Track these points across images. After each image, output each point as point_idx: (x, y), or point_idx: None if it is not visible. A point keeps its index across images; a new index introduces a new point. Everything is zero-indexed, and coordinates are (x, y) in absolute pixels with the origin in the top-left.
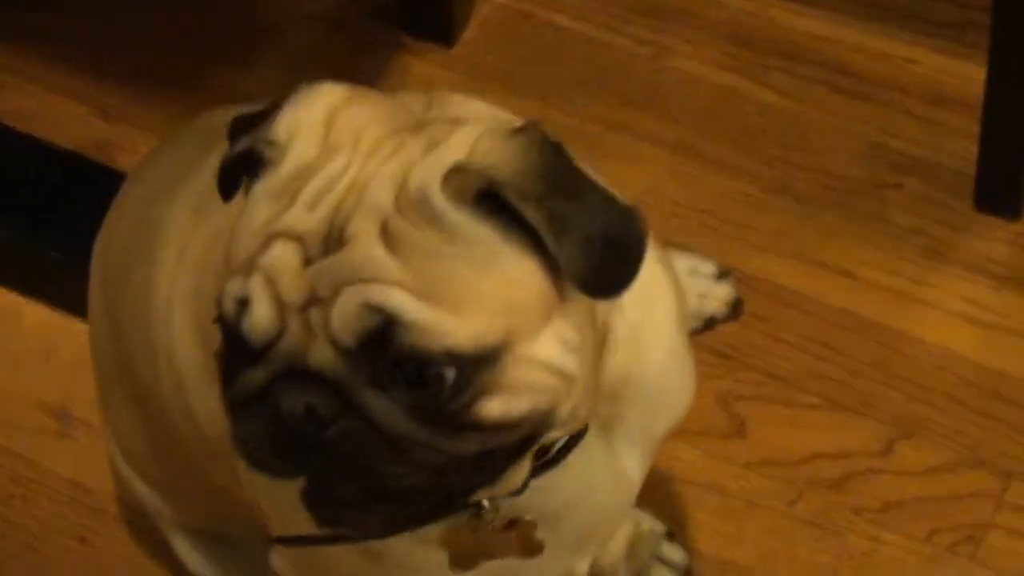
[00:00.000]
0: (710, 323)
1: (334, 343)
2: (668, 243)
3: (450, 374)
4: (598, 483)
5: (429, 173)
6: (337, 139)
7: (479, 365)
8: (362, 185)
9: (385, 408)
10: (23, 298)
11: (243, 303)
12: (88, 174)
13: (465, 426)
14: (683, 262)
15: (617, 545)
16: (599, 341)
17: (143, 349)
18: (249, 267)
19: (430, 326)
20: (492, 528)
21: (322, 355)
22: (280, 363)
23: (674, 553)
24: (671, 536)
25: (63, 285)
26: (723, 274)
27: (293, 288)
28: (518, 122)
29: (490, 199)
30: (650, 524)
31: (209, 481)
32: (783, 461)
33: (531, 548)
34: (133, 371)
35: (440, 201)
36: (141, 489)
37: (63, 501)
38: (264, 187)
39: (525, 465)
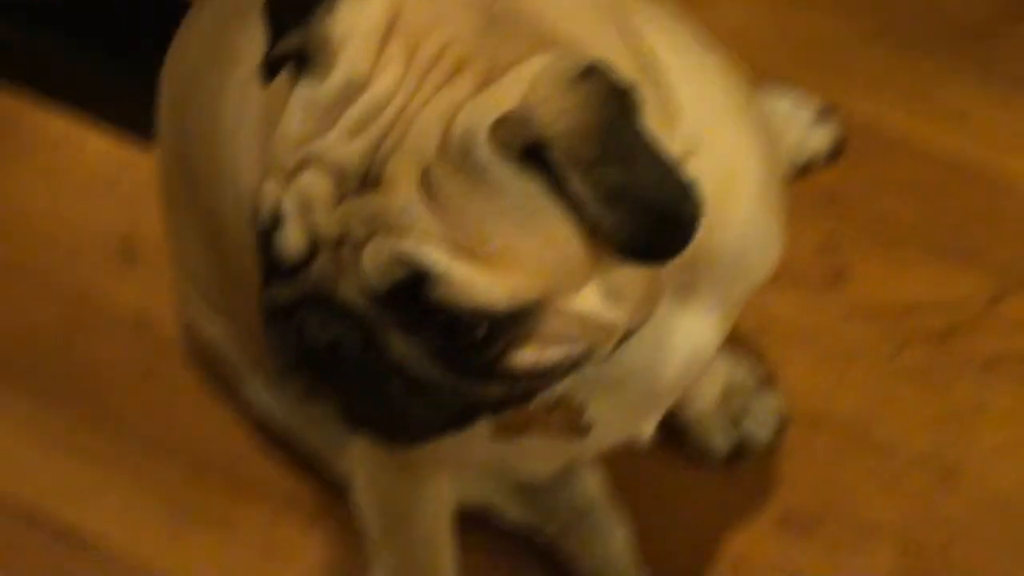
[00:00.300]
0: (810, 166)
1: (363, 284)
2: (765, 80)
3: (482, 328)
4: (668, 350)
5: (477, 119)
6: (392, 50)
7: (513, 321)
8: (407, 120)
9: (410, 352)
10: (87, 124)
11: (277, 215)
12: None
13: (494, 374)
14: (781, 102)
15: (710, 393)
16: (665, 273)
17: (209, 174)
18: (285, 180)
19: (463, 283)
20: (535, 406)
21: (350, 292)
22: (308, 288)
23: (770, 402)
24: (767, 385)
25: (130, 110)
26: (825, 113)
27: (326, 221)
28: (584, 62)
29: (539, 153)
30: (745, 372)
31: None
32: (885, 311)
33: (577, 431)
34: (200, 197)
35: (485, 152)
36: (208, 325)
37: (127, 335)
38: (307, 94)
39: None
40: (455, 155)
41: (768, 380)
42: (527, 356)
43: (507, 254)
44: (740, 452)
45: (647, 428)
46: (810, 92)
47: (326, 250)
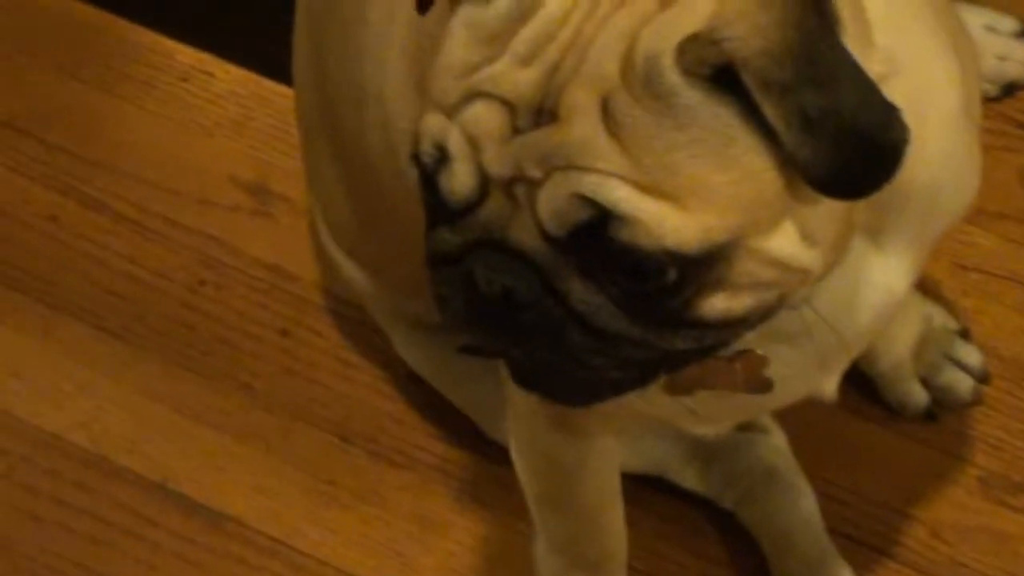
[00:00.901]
0: (1010, 88)
1: (540, 227)
2: None
3: (671, 272)
4: (858, 297)
5: (663, 40)
6: None
7: (704, 264)
8: (585, 42)
9: (593, 300)
10: (214, 58)
11: (442, 153)
12: None
13: (683, 323)
14: (977, 18)
15: (904, 344)
16: (856, 212)
17: (350, 95)
18: (450, 113)
19: (651, 223)
20: (715, 358)
21: (525, 235)
22: (478, 233)
23: (969, 354)
24: (965, 334)
25: (261, 43)
26: None
27: (497, 159)
28: None
29: (731, 75)
30: (943, 320)
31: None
32: None
33: (759, 384)
34: (342, 128)
35: (673, 76)
36: (351, 271)
37: (261, 288)
38: (473, 15)
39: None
40: (639, 81)
41: (967, 327)
42: (718, 303)
43: (698, 190)
44: (938, 407)
45: (830, 383)
46: (1009, 6)
47: (497, 190)
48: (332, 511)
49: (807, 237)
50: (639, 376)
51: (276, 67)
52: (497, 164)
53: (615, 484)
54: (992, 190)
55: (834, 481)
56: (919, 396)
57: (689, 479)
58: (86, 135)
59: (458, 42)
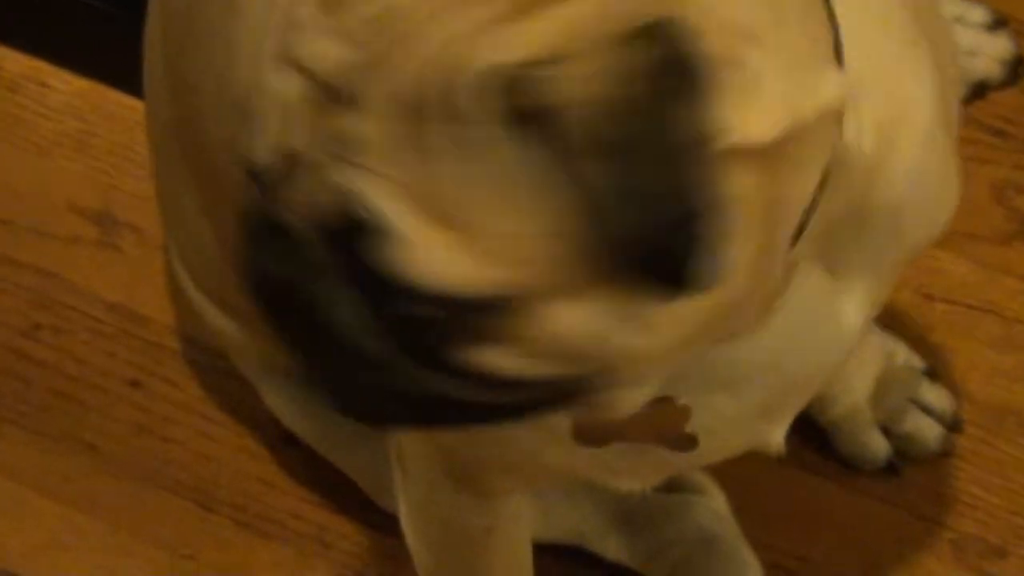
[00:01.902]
0: (980, 89)
1: (302, 216)
2: None
3: (433, 310)
4: (803, 333)
5: (486, 57)
6: None
7: (475, 313)
8: (418, 35)
9: (355, 311)
10: (49, 66)
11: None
12: None
13: (453, 369)
14: (944, 8)
15: (861, 386)
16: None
17: (218, 105)
18: (271, 71)
19: (420, 250)
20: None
21: (300, 222)
22: (270, 206)
23: (936, 396)
24: (933, 374)
25: (102, 47)
26: (998, 23)
27: (294, 131)
28: (651, 15)
29: (551, 119)
30: (906, 358)
31: None
32: None
33: (679, 440)
34: (202, 141)
35: (483, 103)
36: (215, 317)
37: (107, 333)
38: None
39: None
40: (451, 95)
41: (934, 366)
42: (500, 359)
43: (486, 231)
44: (901, 459)
45: (776, 434)
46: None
47: (287, 165)
48: None
49: (631, 318)
50: (428, 413)
51: (122, 76)
52: (294, 136)
53: (526, 557)
54: (962, 207)
55: (783, 549)
56: (879, 447)
57: (611, 549)
58: None
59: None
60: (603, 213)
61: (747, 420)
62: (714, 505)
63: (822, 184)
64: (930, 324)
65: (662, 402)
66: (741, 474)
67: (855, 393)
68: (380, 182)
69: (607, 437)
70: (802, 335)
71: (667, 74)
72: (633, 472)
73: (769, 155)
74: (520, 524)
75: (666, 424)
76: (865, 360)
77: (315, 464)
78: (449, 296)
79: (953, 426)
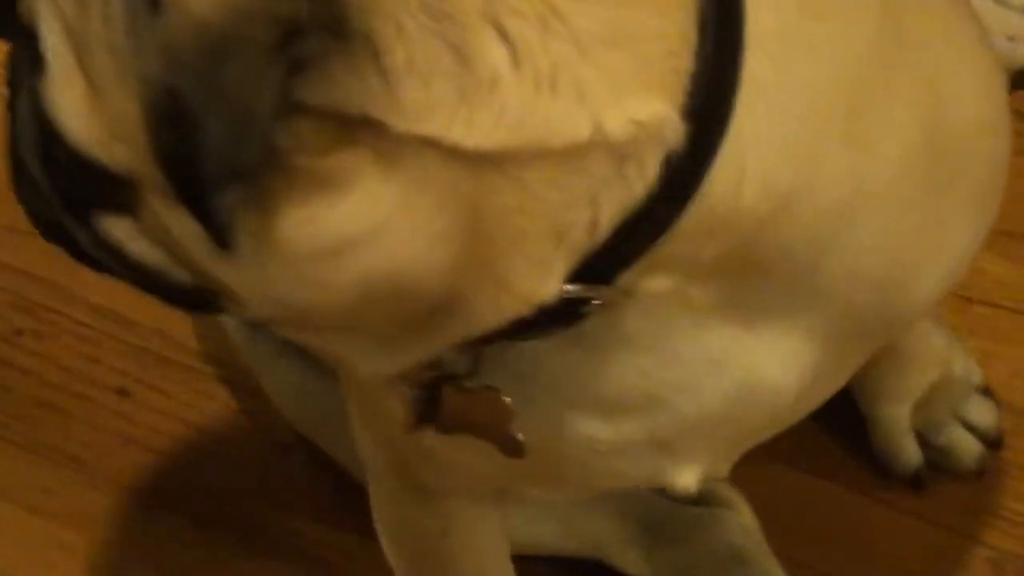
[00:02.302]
0: (1021, 78)
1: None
2: None
3: (65, 156)
4: (691, 376)
5: None
6: None
7: (100, 179)
8: None
9: (27, 124)
10: None
11: None
12: None
13: (84, 221)
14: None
15: (916, 387)
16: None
17: None
18: None
19: (64, 94)
20: (459, 388)
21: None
22: None
23: (982, 413)
24: (987, 391)
25: None
26: None
27: None
28: None
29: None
30: (964, 369)
31: None
32: None
33: (507, 444)
34: None
35: None
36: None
37: (93, 338)
38: None
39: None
40: None
41: (988, 388)
42: (119, 229)
43: (108, 98)
44: (932, 471)
45: (683, 476)
46: None
47: None
48: None
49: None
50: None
51: None
52: None
53: (500, 566)
54: (1002, 204)
55: (810, 565)
56: (911, 455)
57: (632, 563)
58: None
59: None
60: (162, 120)
61: (637, 451)
62: (742, 520)
63: (658, 221)
64: (969, 328)
65: (484, 391)
66: (767, 486)
67: (906, 395)
68: (56, 13)
69: (449, 427)
70: (697, 378)
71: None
72: (539, 481)
73: (482, 161)
74: (483, 533)
75: (491, 419)
76: (924, 364)
77: (313, 474)
78: (79, 152)
79: (994, 443)
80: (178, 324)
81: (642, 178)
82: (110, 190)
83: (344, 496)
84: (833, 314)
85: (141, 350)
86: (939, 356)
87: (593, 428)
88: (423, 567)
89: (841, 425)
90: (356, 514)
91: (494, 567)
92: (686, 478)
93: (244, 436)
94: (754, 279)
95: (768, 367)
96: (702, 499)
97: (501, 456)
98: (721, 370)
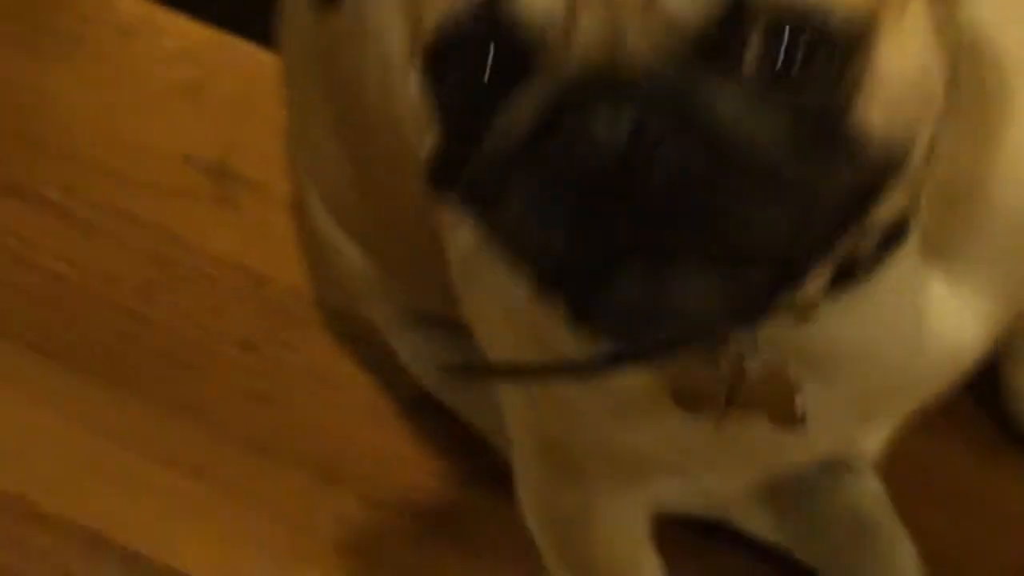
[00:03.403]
0: None
1: (667, 24)
2: None
3: (821, 53)
4: (898, 329)
5: None
6: None
7: (852, 41)
8: None
9: (749, 111)
10: (163, 9)
11: None
12: None
13: (846, 137)
14: None
15: None
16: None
17: (352, 30)
18: None
19: None
20: (740, 372)
21: (644, 45)
22: (571, 73)
23: None
24: None
25: None
26: None
27: None
28: None
29: None
30: None
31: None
32: None
33: (786, 414)
34: (338, 66)
35: None
36: (351, 255)
37: (223, 292)
38: None
39: (824, 272)
40: None
41: None
42: (873, 110)
43: None
44: None
45: (870, 439)
46: None
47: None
48: (312, 570)
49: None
50: (787, 246)
51: (240, 22)
52: None
53: (644, 549)
54: None
55: (939, 534)
56: None
57: (759, 527)
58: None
59: None
60: None
61: (839, 415)
62: (869, 485)
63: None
64: None
65: (773, 368)
66: (896, 452)
67: None
68: None
69: (704, 402)
70: (903, 332)
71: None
72: (734, 468)
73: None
74: (630, 519)
75: (777, 394)
76: None
77: (447, 432)
78: (833, 15)
79: None
80: (307, 282)
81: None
82: (852, 59)
83: (474, 453)
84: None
85: (273, 306)
86: None
87: (812, 392)
88: (570, 549)
89: (970, 388)
90: (485, 471)
91: (638, 552)
92: (873, 443)
93: (371, 391)
94: (965, 213)
95: (967, 327)
96: (829, 464)
97: (685, 441)
98: (926, 323)
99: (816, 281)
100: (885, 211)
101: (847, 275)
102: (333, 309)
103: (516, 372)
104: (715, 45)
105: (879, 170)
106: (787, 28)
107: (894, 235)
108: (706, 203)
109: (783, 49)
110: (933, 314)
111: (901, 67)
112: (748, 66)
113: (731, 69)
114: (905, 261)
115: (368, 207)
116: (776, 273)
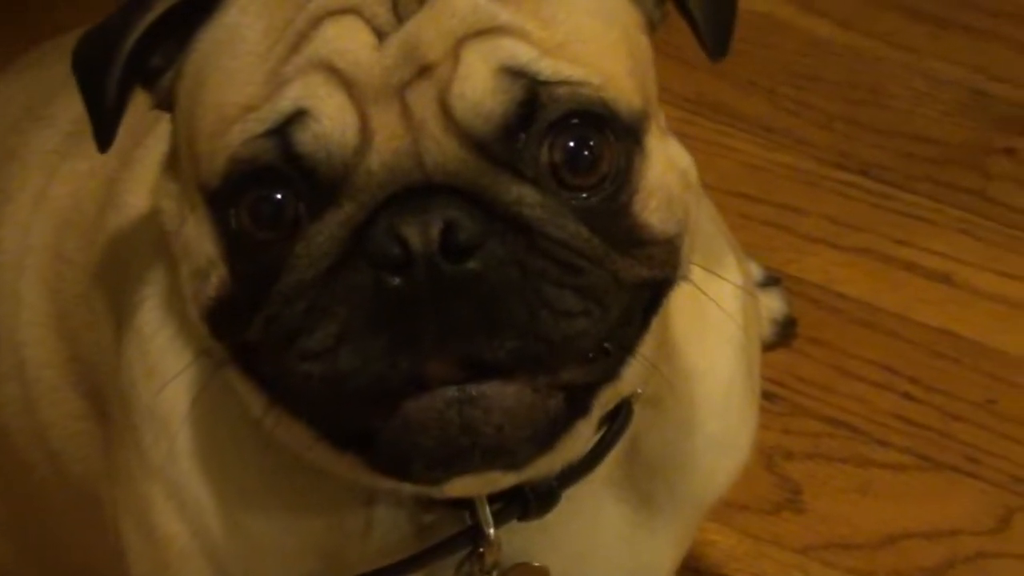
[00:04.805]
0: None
1: (460, 131)
2: None
3: (608, 146)
4: (608, 541)
5: None
6: None
7: (631, 139)
8: None
9: (547, 204)
10: None
11: (288, 124)
12: None
13: (633, 232)
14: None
15: None
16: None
17: None
18: (276, 81)
19: (582, 84)
20: (487, 571)
21: (443, 153)
22: (377, 186)
23: None
24: None
25: None
26: (769, 282)
27: (374, 70)
28: None
29: None
30: None
31: (83, 557)
32: (855, 544)
33: None
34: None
35: None
36: None
37: None
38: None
39: (593, 420)
40: None
41: None
42: (652, 209)
43: (600, 51)
44: None
45: None
46: (748, 250)
47: (386, 111)
48: None
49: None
50: (598, 333)
51: None
52: (377, 74)
53: None
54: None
55: None
56: None
57: None
58: None
59: (247, 27)
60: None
61: None
62: None
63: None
64: None
65: (522, 567)
66: None
67: None
68: (516, 43)
69: None
70: (596, 557)
71: None
72: None
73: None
74: None
75: None
76: None
77: None
78: (613, 109)
79: None
80: None
81: None
82: (632, 160)
83: None
84: (696, 502)
85: None
86: None
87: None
88: None
89: None
90: None
91: None
92: None
93: None
94: (646, 462)
95: (656, 552)
96: None
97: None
98: (617, 552)
99: (587, 430)
100: (613, 393)
101: (571, 474)
102: None
103: None
104: (510, 151)
105: (663, 264)
106: (577, 126)
107: (616, 415)
108: (519, 299)
109: (574, 148)
110: (622, 545)
111: (665, 171)
112: (542, 167)
113: (528, 170)
114: (600, 491)
115: (16, 538)
116: (580, 384)
